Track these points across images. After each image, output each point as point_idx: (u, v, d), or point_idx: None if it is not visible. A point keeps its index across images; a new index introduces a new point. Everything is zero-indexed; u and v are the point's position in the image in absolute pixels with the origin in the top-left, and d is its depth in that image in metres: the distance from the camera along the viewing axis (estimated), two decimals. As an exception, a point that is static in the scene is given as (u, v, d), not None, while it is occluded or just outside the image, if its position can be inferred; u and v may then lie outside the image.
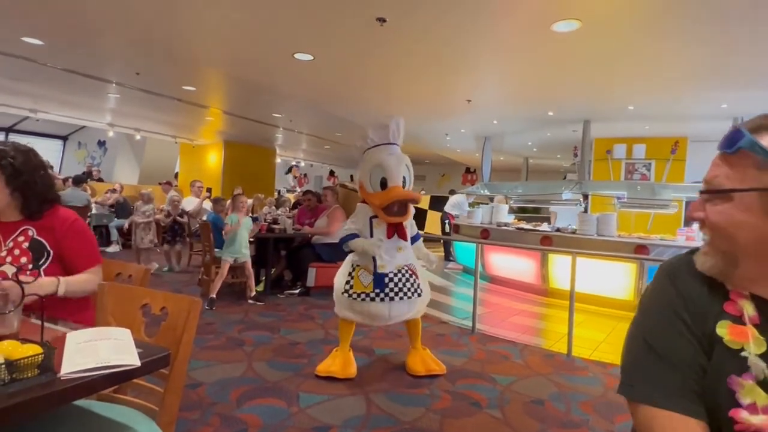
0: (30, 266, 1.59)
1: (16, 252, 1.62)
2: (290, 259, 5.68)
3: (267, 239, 5.41)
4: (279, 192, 14.65)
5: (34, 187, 1.65)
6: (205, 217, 5.98)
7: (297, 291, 5.32)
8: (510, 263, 6.26)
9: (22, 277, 1.23)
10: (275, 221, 6.20)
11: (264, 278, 5.51)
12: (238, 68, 5.70)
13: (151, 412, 1.38)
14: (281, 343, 3.61)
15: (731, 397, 0.67)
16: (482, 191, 8.37)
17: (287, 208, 8.34)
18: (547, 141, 9.94)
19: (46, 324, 1.27)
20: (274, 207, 8.61)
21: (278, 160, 15.48)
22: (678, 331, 0.73)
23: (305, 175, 20.52)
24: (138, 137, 12.75)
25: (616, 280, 5.11)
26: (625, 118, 7.17)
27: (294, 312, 4.58)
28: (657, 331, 0.75)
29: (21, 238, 1.65)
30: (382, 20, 3.69)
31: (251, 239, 5.18)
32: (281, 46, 4.63)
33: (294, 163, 19.15)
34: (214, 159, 13.26)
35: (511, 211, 7.95)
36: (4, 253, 1.60)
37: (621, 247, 5.02)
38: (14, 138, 13.59)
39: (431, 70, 5.24)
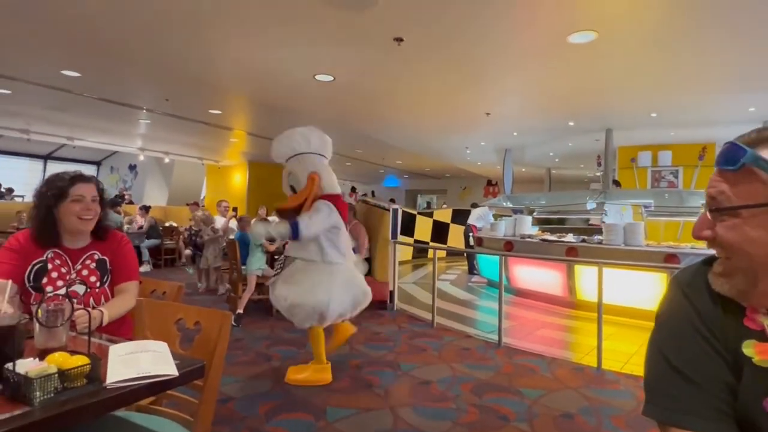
0: (98, 284, 1.78)
1: (85, 272, 1.78)
2: (314, 275, 5.75)
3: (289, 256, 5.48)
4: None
5: (104, 212, 1.86)
6: (232, 236, 6.13)
7: (322, 307, 5.35)
8: (535, 275, 6.18)
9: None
10: (299, 238, 6.29)
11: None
12: (261, 91, 5.91)
13: (186, 423, 1.43)
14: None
15: None
16: (505, 203, 8.32)
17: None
18: (569, 151, 9.85)
19: (96, 339, 1.35)
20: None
21: (301, 178, 15.73)
22: (699, 347, 0.72)
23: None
24: (167, 160, 13.23)
25: (647, 291, 4.98)
26: (649, 126, 7.07)
27: (319, 327, 4.62)
28: (676, 347, 0.74)
29: (88, 261, 1.81)
30: (399, 40, 3.79)
31: (276, 256, 5.28)
32: (302, 69, 4.79)
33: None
34: (239, 179, 13.60)
35: (535, 222, 7.86)
36: (73, 275, 1.76)
37: (650, 257, 4.90)
38: (52, 165, 14.34)
39: (449, 85, 5.31)
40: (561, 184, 15.32)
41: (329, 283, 3.04)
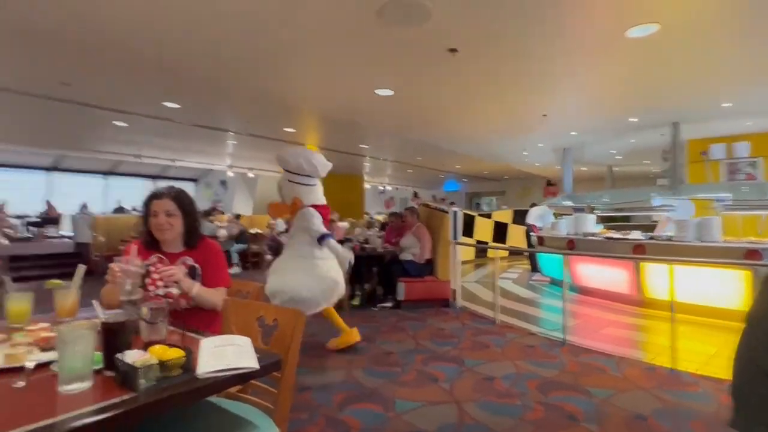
0: None
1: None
2: (381, 274, 5.80)
3: (360, 257, 5.58)
4: (369, 215, 15.09)
5: (194, 221, 1.94)
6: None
7: (389, 304, 5.39)
8: (600, 273, 5.74)
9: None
10: (366, 241, 6.38)
11: (359, 293, 5.69)
12: (327, 109, 6.08)
13: (268, 410, 1.48)
14: (376, 352, 3.67)
15: None
16: (565, 202, 7.85)
17: (377, 229, 8.56)
18: (632, 147, 9.08)
19: (188, 332, 1.45)
20: (366, 228, 8.89)
21: (367, 185, 16.01)
22: None
23: (392, 198, 20.92)
24: (251, 175, 14.08)
25: (726, 289, 4.42)
26: (721, 116, 6.31)
27: (387, 323, 4.63)
28: None
29: (182, 266, 1.91)
30: (453, 51, 3.71)
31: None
32: (363, 85, 4.86)
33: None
34: (312, 189, 14.12)
35: (598, 220, 7.31)
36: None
37: (728, 253, 4.34)
38: (160, 183, 15.85)
39: (505, 90, 5.12)
40: (624, 181, 14.14)
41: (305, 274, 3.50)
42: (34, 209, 12.46)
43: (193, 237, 1.92)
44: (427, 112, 6.22)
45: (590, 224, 6.40)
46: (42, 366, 1.15)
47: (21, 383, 1.06)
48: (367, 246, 5.91)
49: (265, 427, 1.33)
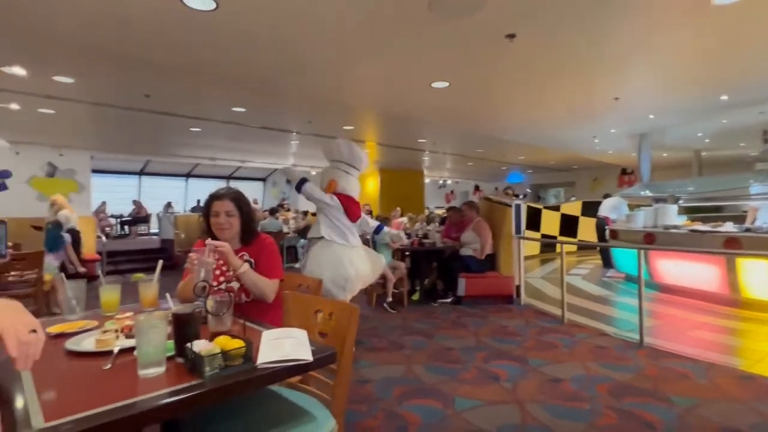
0: None
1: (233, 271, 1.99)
2: (441, 270, 5.74)
3: (418, 252, 5.58)
4: (429, 209, 15.00)
5: (250, 220, 2.05)
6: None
7: (449, 300, 5.32)
8: (685, 270, 5.21)
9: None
10: (426, 236, 6.35)
11: (419, 288, 5.68)
12: (384, 105, 6.10)
13: (326, 402, 1.53)
14: (436, 348, 3.64)
15: None
16: (643, 192, 7.21)
17: (437, 224, 8.47)
18: (724, 129, 8.08)
19: (251, 324, 1.53)
20: (425, 223, 8.85)
21: (426, 180, 15.91)
22: None
23: (452, 191, 20.61)
24: (313, 173, 14.58)
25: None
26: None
27: (447, 320, 4.58)
28: None
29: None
30: (511, 36, 3.54)
31: (407, 252, 5.49)
32: (419, 79, 4.81)
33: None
34: (372, 185, 14.33)
35: (682, 212, 6.63)
36: (231, 273, 1.96)
37: None
38: (232, 183, 16.98)
39: (569, 74, 4.79)
40: (714, 167, 12.66)
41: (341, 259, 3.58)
42: (127, 210, 13.93)
43: (248, 234, 2.03)
44: (486, 102, 6.02)
45: (672, 216, 5.83)
46: (126, 351, 1.28)
47: (108, 366, 1.19)
48: (426, 241, 5.87)
49: (321, 418, 1.37)
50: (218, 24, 3.28)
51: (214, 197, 2.00)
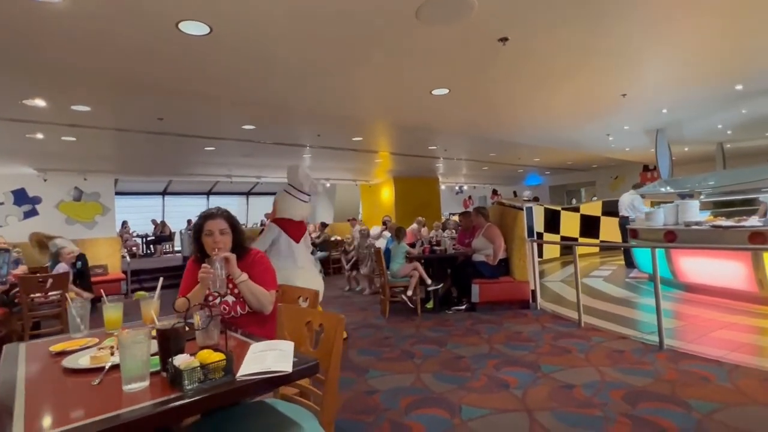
0: (241, 296, 2.01)
1: (230, 285, 2.05)
2: (455, 276, 5.69)
3: (429, 259, 5.56)
4: (445, 216, 14.91)
5: (242, 237, 2.11)
6: (380, 244, 6.50)
7: (463, 307, 5.26)
8: (709, 267, 5.01)
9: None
10: (438, 243, 6.31)
11: (433, 296, 5.64)
12: (388, 115, 6.14)
13: (318, 413, 1.54)
14: (447, 356, 3.60)
15: None
16: (662, 189, 6.99)
17: (453, 230, 8.42)
18: (745, 119, 7.76)
19: (242, 337, 1.56)
20: (440, 230, 8.80)
21: (442, 186, 15.84)
22: None
23: (470, 197, 20.42)
24: (328, 185, 14.75)
25: None
26: None
27: (461, 327, 4.52)
28: None
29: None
30: (504, 40, 3.52)
31: (422, 260, 5.50)
32: (419, 88, 4.82)
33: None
34: (387, 194, 14.36)
35: (704, 207, 6.39)
36: (230, 286, 2.03)
37: None
38: (251, 198, 17.31)
39: (568, 73, 4.71)
40: (740, 159, 12.12)
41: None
42: (151, 229, 14.38)
43: (240, 250, 2.08)
44: (489, 106, 5.97)
45: (694, 211, 5.62)
46: (117, 367, 1.32)
47: (97, 381, 1.23)
48: (437, 248, 5.84)
49: (309, 428, 1.38)
50: (215, 47, 3.38)
51: (206, 217, 2.06)
